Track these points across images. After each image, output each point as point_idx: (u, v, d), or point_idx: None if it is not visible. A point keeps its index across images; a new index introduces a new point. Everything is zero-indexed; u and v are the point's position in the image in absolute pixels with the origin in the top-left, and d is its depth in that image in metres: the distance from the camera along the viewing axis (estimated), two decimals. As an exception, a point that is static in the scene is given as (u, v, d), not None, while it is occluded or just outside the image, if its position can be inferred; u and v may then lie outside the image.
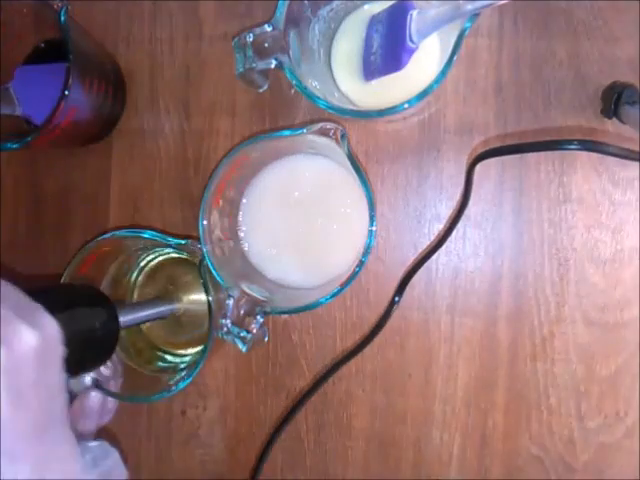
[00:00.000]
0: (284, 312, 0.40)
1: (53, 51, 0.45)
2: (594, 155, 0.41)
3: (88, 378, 0.40)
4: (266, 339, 0.42)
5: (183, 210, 0.49)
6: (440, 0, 0.35)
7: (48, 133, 0.41)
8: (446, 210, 0.46)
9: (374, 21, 0.42)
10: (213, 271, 0.39)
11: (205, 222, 0.40)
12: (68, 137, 0.47)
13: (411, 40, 0.37)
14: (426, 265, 0.46)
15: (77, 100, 0.41)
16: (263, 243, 0.44)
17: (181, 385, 0.40)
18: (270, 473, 0.49)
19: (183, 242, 0.41)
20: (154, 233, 0.41)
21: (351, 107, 0.43)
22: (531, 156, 0.45)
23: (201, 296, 0.46)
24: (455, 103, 0.45)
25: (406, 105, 0.36)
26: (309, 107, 0.47)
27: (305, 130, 0.37)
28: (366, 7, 0.43)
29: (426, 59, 0.42)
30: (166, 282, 0.49)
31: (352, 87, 0.44)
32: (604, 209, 0.44)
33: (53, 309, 0.29)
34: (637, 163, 0.39)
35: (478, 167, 0.44)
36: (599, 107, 0.43)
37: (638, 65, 0.43)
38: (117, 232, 0.42)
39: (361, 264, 0.37)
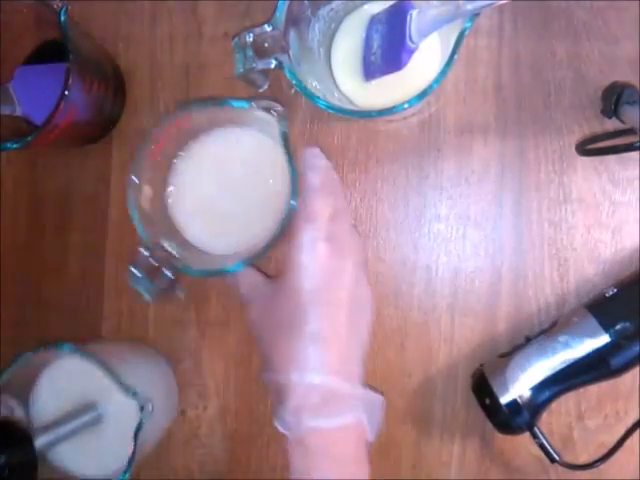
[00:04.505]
0: (194, 274, 0.40)
1: (53, 51, 0.45)
2: (594, 155, 0.42)
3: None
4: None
5: (183, 210, 0.49)
6: (440, 0, 0.35)
7: (48, 133, 0.41)
8: (446, 210, 0.46)
9: (374, 21, 0.42)
10: (136, 222, 0.39)
11: (134, 177, 0.39)
12: (68, 137, 0.47)
13: (411, 40, 0.37)
14: (426, 265, 0.46)
15: (77, 100, 0.41)
16: (188, 204, 0.44)
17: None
18: (270, 473, 0.49)
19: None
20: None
21: (351, 107, 0.43)
22: (531, 156, 0.45)
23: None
24: (455, 103, 0.45)
25: (406, 105, 0.36)
26: (309, 107, 0.47)
27: (251, 104, 0.38)
28: (366, 7, 0.43)
29: (426, 59, 0.42)
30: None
31: (352, 87, 0.44)
32: (604, 209, 0.44)
33: None
34: (637, 162, 0.40)
35: (478, 165, 0.44)
36: (599, 107, 0.43)
37: (638, 65, 0.43)
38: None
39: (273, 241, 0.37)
